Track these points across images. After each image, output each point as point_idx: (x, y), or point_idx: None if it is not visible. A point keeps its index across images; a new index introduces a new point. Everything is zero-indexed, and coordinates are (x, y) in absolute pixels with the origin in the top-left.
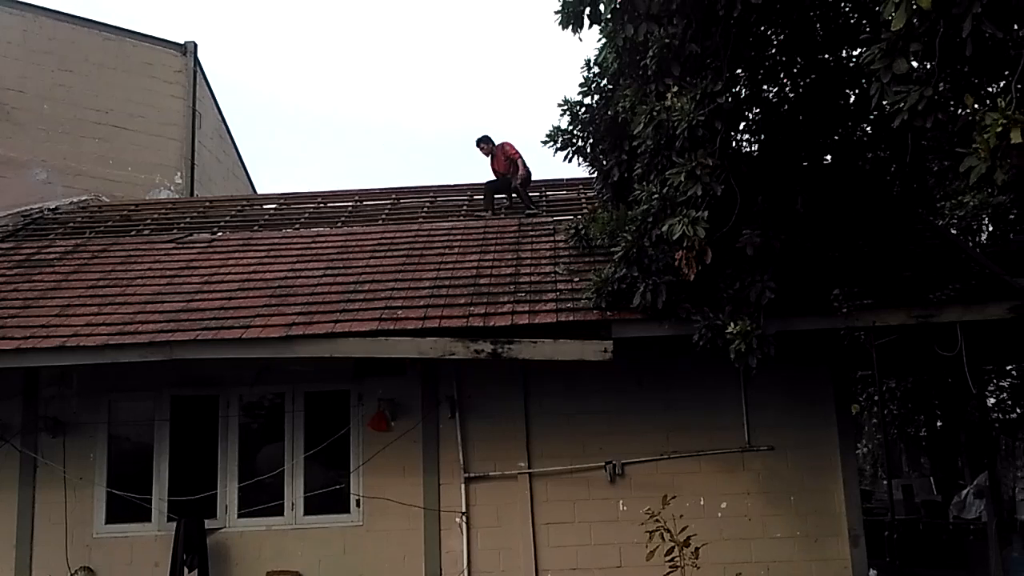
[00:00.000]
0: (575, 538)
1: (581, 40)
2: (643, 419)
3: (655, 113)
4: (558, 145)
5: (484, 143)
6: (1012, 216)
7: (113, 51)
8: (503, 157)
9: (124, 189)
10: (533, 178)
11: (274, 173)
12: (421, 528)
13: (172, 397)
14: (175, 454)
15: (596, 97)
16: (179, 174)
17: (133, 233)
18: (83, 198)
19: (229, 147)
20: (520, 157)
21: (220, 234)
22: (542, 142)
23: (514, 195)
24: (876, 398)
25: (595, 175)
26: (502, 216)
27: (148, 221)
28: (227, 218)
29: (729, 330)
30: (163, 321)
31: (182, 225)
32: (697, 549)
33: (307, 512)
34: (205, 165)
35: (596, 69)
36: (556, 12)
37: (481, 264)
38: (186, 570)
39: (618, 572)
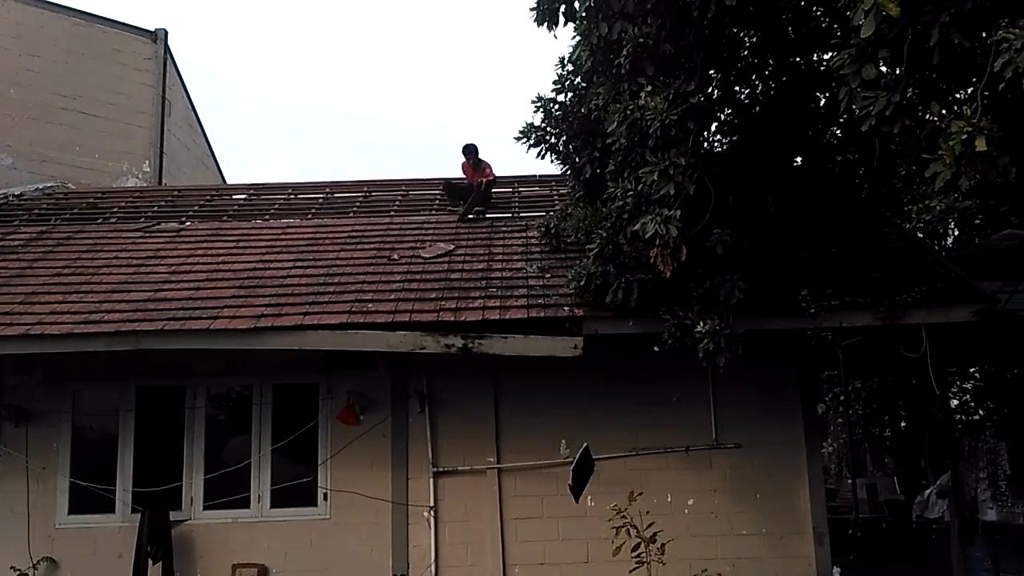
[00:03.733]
0: (543, 533)
1: (556, 37)
2: (612, 415)
3: (629, 111)
4: (531, 141)
5: (472, 155)
6: (978, 221)
7: (82, 37)
8: (478, 174)
9: (91, 176)
10: (504, 175)
11: (244, 164)
12: (389, 522)
13: (138, 388)
14: (140, 445)
15: (570, 95)
16: (147, 162)
17: (99, 221)
18: (49, 185)
19: (199, 136)
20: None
21: (188, 224)
22: (515, 138)
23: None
24: (842, 398)
25: (568, 172)
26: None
27: (115, 209)
28: (196, 208)
29: (698, 329)
30: (129, 311)
31: (150, 214)
32: (663, 545)
33: (274, 505)
34: (174, 154)
35: (570, 67)
36: (532, 9)
37: (453, 259)
38: (150, 562)
39: (585, 567)
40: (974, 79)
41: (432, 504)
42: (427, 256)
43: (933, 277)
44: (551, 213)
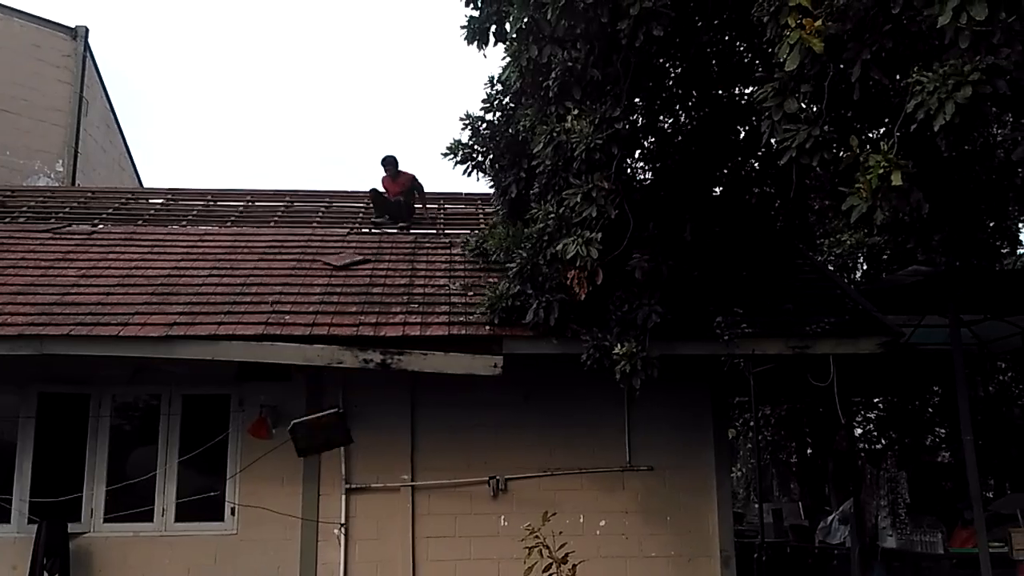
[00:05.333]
0: (455, 552)
1: (486, 57)
2: (529, 435)
3: (555, 134)
4: (458, 158)
5: (391, 166)
6: (886, 256)
7: None
8: (396, 185)
9: (0, 174)
10: (431, 192)
11: (163, 167)
12: (298, 539)
13: (40, 394)
14: (40, 454)
15: (498, 114)
16: (61, 162)
17: (7, 220)
18: None
19: (116, 137)
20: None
21: (101, 226)
22: (442, 154)
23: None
24: (752, 424)
25: (494, 191)
26: (395, 231)
27: (24, 209)
28: (110, 210)
29: (616, 351)
30: (34, 314)
31: (61, 215)
32: (575, 566)
33: (178, 519)
34: (89, 154)
35: (499, 87)
36: (462, 27)
37: (375, 273)
38: (46, 575)
39: None
40: (887, 120)
41: (343, 521)
42: (336, 264)
43: (842, 309)
44: (476, 231)
